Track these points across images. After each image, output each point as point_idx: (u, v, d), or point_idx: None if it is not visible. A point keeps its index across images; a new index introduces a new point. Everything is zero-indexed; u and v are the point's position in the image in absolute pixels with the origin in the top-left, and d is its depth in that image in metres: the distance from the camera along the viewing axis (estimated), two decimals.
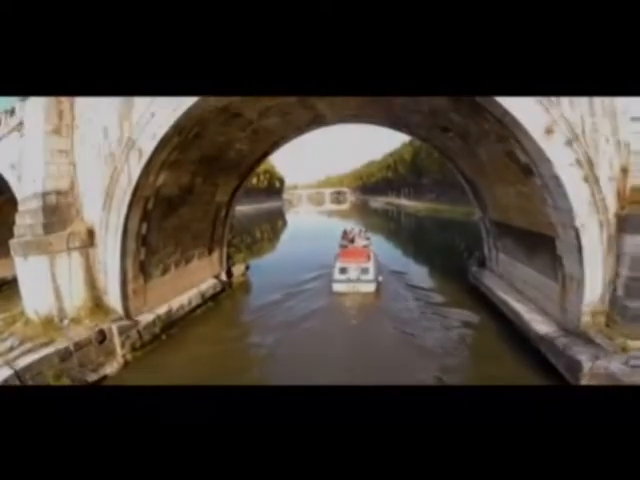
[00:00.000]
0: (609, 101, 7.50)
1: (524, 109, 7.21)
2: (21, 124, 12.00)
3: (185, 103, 8.98)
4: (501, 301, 11.80)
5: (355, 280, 14.62)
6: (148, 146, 9.63)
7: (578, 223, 7.64)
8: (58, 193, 10.43)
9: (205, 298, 14.38)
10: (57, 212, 10.27)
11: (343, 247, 17.43)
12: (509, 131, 7.86)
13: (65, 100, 10.71)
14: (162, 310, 11.79)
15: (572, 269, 8.34)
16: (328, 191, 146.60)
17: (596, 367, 6.80)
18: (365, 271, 14.86)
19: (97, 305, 10.21)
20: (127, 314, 10.48)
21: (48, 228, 9.87)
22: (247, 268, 19.35)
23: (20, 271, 10.10)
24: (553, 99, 7.22)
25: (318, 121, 14.83)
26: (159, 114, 9.34)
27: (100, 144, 10.34)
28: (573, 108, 7.41)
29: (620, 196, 7.63)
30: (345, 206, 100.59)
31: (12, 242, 10.05)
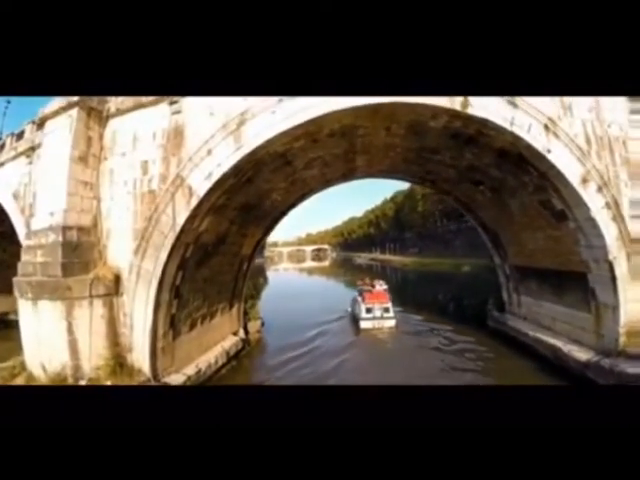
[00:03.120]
0: (624, 151, 10.03)
1: (564, 162, 9.47)
2: (32, 149, 11.57)
3: (250, 143, 8.93)
4: (534, 339, 13.32)
5: (379, 317, 18.61)
6: (201, 186, 9.15)
7: (611, 257, 9.69)
8: (80, 229, 9.52)
9: (229, 357, 14.09)
10: (78, 251, 9.32)
11: (367, 291, 20.35)
12: (549, 182, 10.11)
13: (95, 127, 10.31)
14: (191, 370, 11.06)
15: (606, 298, 10.20)
16: (309, 248, 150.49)
17: None
18: (387, 310, 18.92)
19: (120, 364, 9.14)
20: (154, 375, 9.46)
21: (67, 269, 8.87)
22: (262, 324, 19.33)
23: (24, 315, 9.01)
24: (585, 152, 9.63)
25: (349, 175, 16.75)
26: (218, 152, 9.07)
27: (136, 179, 9.86)
28: (600, 159, 9.85)
29: None
30: (326, 263, 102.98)
31: (17, 281, 9.11)
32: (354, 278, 50.30)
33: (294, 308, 26.09)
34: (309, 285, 49.44)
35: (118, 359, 9.17)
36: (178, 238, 9.39)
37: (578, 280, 11.29)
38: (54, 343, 8.69)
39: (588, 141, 9.96)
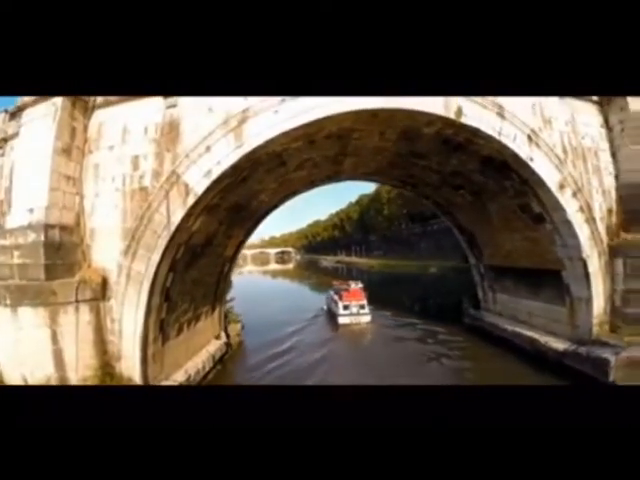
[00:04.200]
0: (596, 160, 11.39)
1: (545, 170, 10.48)
2: (4, 140, 10.77)
3: (251, 142, 8.89)
4: (512, 333, 14.45)
5: (356, 314, 20.92)
6: (199, 184, 8.97)
7: (585, 255, 10.85)
8: (62, 228, 8.89)
9: (215, 361, 14.03)
10: (61, 252, 8.74)
11: (344, 290, 22.47)
12: (530, 187, 11.13)
13: (80, 118, 9.65)
14: (180, 377, 10.85)
15: (579, 293, 11.37)
16: (273, 251, 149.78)
17: (619, 359, 9.51)
18: (362, 307, 21.28)
19: (108, 374, 8.75)
20: (145, 384, 9.15)
21: (50, 272, 8.29)
22: (242, 327, 19.29)
23: (0, 324, 8.27)
24: (562, 161, 10.76)
25: (334, 177, 17.25)
26: (217, 149, 8.93)
27: (125, 175, 9.40)
28: (575, 167, 11.03)
29: (608, 230, 11.17)
30: (290, 266, 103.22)
31: None
32: (321, 281, 51.34)
33: (267, 310, 26.52)
34: (277, 288, 49.76)
35: (106, 368, 8.76)
36: (172, 238, 9.12)
37: (553, 277, 12.47)
38: (36, 353, 8.10)
39: (565, 151, 11.12)
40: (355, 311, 20.99)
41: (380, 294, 34.92)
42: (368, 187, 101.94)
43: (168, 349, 10.78)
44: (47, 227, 8.50)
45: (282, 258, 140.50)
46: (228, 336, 17.09)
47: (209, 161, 9.01)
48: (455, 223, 17.99)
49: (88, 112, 9.93)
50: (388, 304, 25.59)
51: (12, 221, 8.99)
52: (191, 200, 9.03)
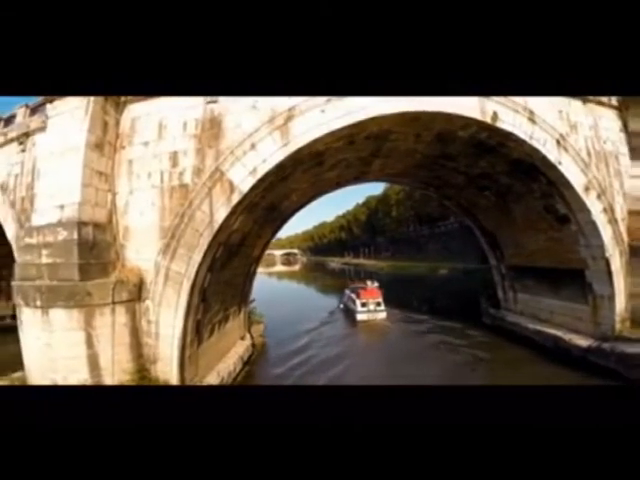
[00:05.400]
0: (617, 164, 12.20)
1: (572, 172, 11.31)
2: (26, 135, 10.85)
3: (297, 141, 9.06)
4: (534, 331, 15.23)
5: (373, 310, 22.72)
6: (245, 182, 9.02)
7: (608, 254, 11.63)
8: (95, 226, 8.66)
9: (244, 362, 14.09)
10: (95, 251, 8.49)
11: (362, 289, 24.50)
12: (556, 189, 11.93)
13: (112, 112, 9.49)
14: (213, 379, 10.85)
15: (602, 290, 12.14)
16: (278, 252, 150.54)
17: None
18: (379, 304, 23.08)
19: (144, 378, 8.58)
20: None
21: (84, 272, 8.01)
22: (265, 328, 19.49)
23: (29, 326, 8.06)
24: (587, 164, 11.56)
25: (359, 178, 18.03)
26: (262, 147, 9.05)
27: (163, 172, 9.32)
28: (598, 170, 11.84)
29: (629, 231, 11.93)
30: (296, 267, 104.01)
31: (20, 286, 8.16)
32: (334, 283, 51.57)
33: (282, 311, 27.11)
34: (285, 291, 50.23)
35: (142, 372, 8.55)
36: (214, 237, 9.05)
37: (575, 276, 13.23)
38: (70, 358, 7.76)
39: (589, 154, 11.95)
40: (372, 308, 22.76)
41: (394, 295, 35.79)
42: (375, 189, 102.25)
43: (202, 351, 10.74)
44: (80, 224, 8.24)
45: (288, 260, 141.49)
46: (252, 337, 17.27)
47: (254, 159, 9.09)
48: (477, 224, 18.75)
49: (120, 106, 9.84)
50: (403, 304, 26.52)
51: (39, 218, 8.65)
52: (236, 198, 9.05)
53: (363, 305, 22.91)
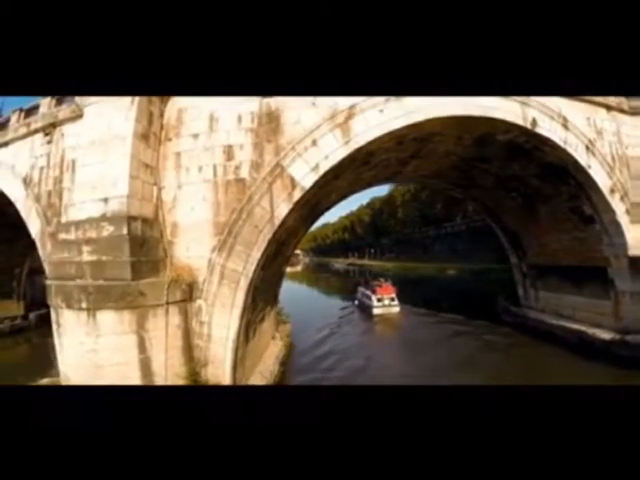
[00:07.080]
0: (634, 169, 13.47)
1: (599, 176, 12.68)
2: (52, 125, 10.48)
3: (357, 139, 9.26)
4: (558, 327, 16.53)
5: (387, 305, 25.93)
6: (306, 178, 9.07)
7: (630, 253, 12.96)
8: (144, 221, 8.31)
9: (279, 363, 13.95)
10: (145, 248, 8.08)
11: (377, 286, 27.61)
12: (584, 191, 13.26)
13: (157, 102, 9.16)
14: (257, 380, 10.76)
15: (624, 286, 13.48)
16: None
17: None
18: (393, 299, 26.34)
19: (195, 382, 8.27)
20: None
21: (137, 271, 7.62)
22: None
23: (71, 330, 7.54)
24: (612, 168, 12.90)
25: (391, 178, 19.12)
26: (324, 143, 9.13)
27: (216, 166, 9.17)
28: (621, 174, 13.21)
29: None
30: (299, 268, 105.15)
31: (60, 285, 7.69)
32: (338, 284, 52.30)
33: (297, 309, 28.04)
34: (292, 291, 51.28)
35: (193, 376, 8.26)
36: (274, 234, 8.96)
37: (597, 273, 14.56)
38: (120, 364, 7.37)
39: (613, 159, 13.35)
40: (387, 303, 26.03)
41: (406, 294, 37.13)
42: (379, 191, 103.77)
43: (248, 351, 10.62)
44: (130, 219, 7.87)
45: (290, 260, 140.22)
46: (280, 337, 17.11)
47: (316, 155, 9.19)
48: (500, 225, 20.08)
49: (165, 97, 9.56)
50: (417, 303, 28.30)
51: (77, 212, 8.24)
52: (297, 194, 9.03)
53: (379, 300, 26.07)
